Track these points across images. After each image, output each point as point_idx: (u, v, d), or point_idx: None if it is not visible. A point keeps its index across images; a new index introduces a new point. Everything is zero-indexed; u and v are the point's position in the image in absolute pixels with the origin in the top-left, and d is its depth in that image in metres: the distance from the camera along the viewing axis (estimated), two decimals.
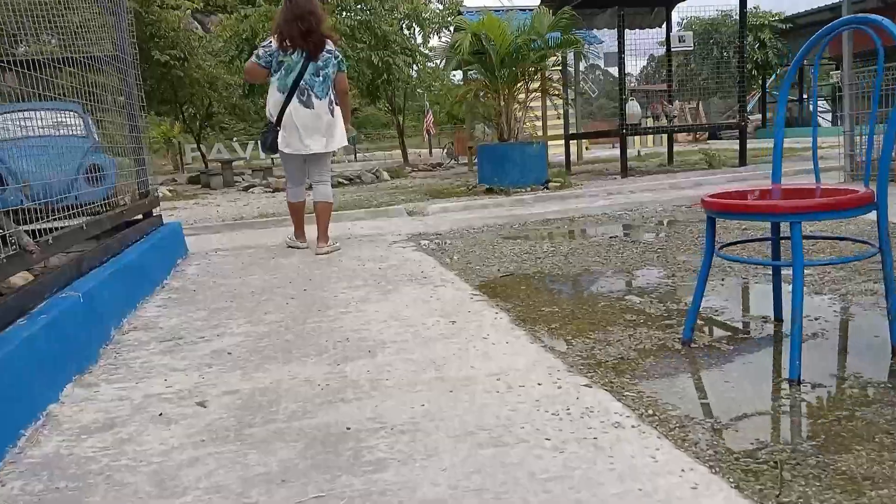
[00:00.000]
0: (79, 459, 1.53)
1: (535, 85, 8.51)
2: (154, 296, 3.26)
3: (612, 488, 1.25)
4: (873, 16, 1.80)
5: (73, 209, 2.91)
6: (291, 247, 4.51)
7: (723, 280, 2.88)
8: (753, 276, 2.92)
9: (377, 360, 2.08)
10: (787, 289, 2.17)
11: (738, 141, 9.30)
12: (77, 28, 3.49)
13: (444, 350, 2.13)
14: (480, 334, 2.27)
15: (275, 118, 4.18)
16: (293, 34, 4.04)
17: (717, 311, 2.44)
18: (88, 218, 2.91)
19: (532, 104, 8.70)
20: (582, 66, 12.72)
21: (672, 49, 10.12)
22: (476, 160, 9.15)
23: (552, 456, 1.39)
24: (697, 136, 19.56)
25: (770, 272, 2.81)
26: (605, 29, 10.82)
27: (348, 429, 1.59)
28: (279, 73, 4.11)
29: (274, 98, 4.17)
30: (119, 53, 3.95)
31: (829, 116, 22.49)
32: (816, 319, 2.25)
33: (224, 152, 16.36)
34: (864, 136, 6.05)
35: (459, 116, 14.35)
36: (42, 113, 3.61)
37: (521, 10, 10.92)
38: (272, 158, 4.43)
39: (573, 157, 11.31)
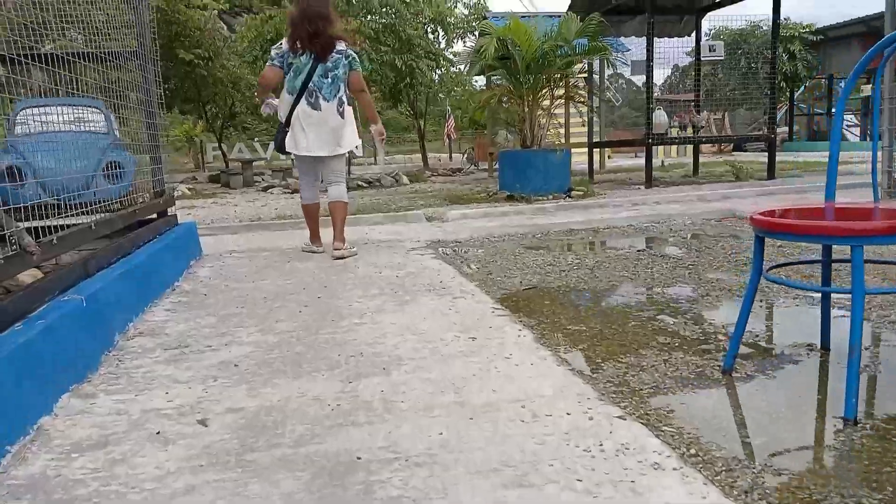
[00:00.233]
0: (66, 482, 1.41)
1: (560, 92, 8.36)
2: (164, 298, 3.15)
3: None
4: None
5: (90, 206, 2.83)
6: (307, 251, 4.40)
7: (760, 301, 2.71)
8: (794, 299, 2.75)
9: (392, 378, 1.95)
10: (835, 314, 2.01)
11: (764, 153, 9.07)
12: (95, 22, 3.41)
13: (464, 369, 1.98)
14: (503, 353, 2.12)
15: (284, 119, 4.17)
16: (301, 36, 4.03)
17: (756, 335, 2.27)
18: (97, 217, 2.81)
19: (555, 111, 8.55)
20: (606, 73, 12.54)
21: (702, 58, 9.90)
22: (496, 166, 9.01)
23: (585, 501, 1.24)
24: (722, 147, 19.25)
25: (810, 294, 2.64)
26: (633, 37, 10.63)
27: (359, 458, 1.46)
28: (289, 74, 4.11)
29: (284, 99, 4.18)
30: (139, 49, 3.87)
31: (857, 131, 22.05)
32: (866, 349, 2.08)
33: (245, 152, 16.38)
34: None
35: (481, 122, 14.21)
36: (64, 108, 3.57)
37: (547, 15, 10.79)
38: (291, 159, 4.37)
39: (595, 166, 11.12)
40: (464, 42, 15.87)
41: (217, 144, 17.30)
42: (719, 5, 9.95)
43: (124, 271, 2.81)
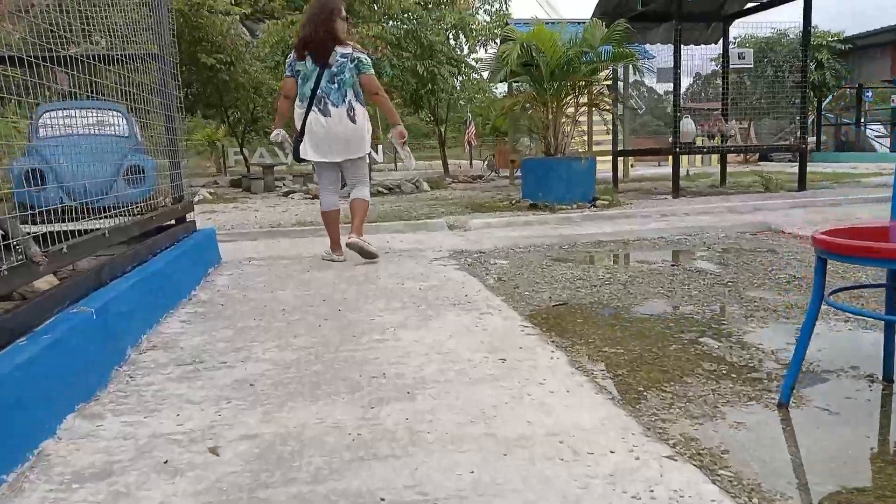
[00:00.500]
0: None
1: (584, 99, 8.20)
2: (179, 308, 3.05)
3: None
4: None
5: (110, 210, 2.75)
6: (327, 259, 4.29)
7: None
8: (844, 322, 2.57)
9: (417, 404, 1.81)
10: None
11: (790, 163, 8.83)
12: (115, 25, 3.33)
13: (494, 396, 1.84)
14: (535, 378, 1.98)
15: (299, 127, 4.17)
16: (300, 41, 4.09)
17: (810, 362, 2.10)
18: (112, 224, 2.71)
19: (579, 118, 8.39)
20: (630, 80, 12.34)
21: (731, 66, 9.68)
22: (518, 174, 8.85)
23: None
24: (748, 157, 18.92)
25: (864, 319, 2.47)
26: (659, 44, 10.44)
27: (382, 500, 1.32)
28: (299, 81, 4.12)
29: (297, 108, 4.17)
30: (159, 52, 3.80)
31: (885, 141, 21.57)
32: None
33: (266, 157, 16.34)
34: None
35: (502, 129, 14.07)
36: (86, 112, 3.51)
37: (571, 22, 10.64)
38: (312, 165, 4.33)
39: (619, 175, 10.92)
40: (485, 49, 15.75)
41: (239, 149, 17.33)
42: (748, 12, 9.74)
43: (139, 280, 2.70)
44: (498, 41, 13.36)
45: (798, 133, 9.10)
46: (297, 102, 4.17)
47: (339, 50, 4.03)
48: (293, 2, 15.04)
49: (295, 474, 1.44)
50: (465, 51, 15.25)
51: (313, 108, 4.06)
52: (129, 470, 1.49)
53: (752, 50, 10.33)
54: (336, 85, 4.03)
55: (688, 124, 8.56)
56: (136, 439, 1.65)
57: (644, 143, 16.14)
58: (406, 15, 13.34)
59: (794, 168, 9.25)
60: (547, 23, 9.27)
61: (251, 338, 2.53)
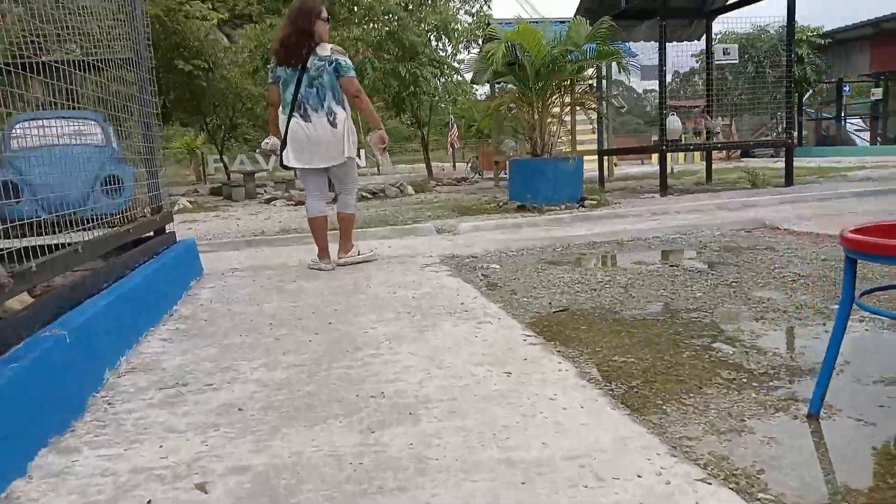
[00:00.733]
0: None
1: (569, 98, 8.11)
2: (160, 326, 2.89)
3: None
4: None
5: (87, 222, 2.59)
6: (314, 268, 4.14)
7: (824, 326, 2.43)
8: (860, 322, 2.47)
9: (421, 426, 1.67)
10: None
11: (772, 159, 8.81)
12: (89, 30, 3.16)
13: (505, 416, 1.71)
14: (545, 393, 1.85)
15: (283, 134, 4.06)
16: (277, 43, 4.01)
17: (835, 367, 1.99)
18: (86, 239, 2.54)
19: (564, 118, 8.30)
20: (612, 78, 12.29)
21: (715, 62, 9.65)
22: (502, 175, 8.74)
23: None
24: (731, 153, 18.99)
25: (882, 320, 2.37)
26: (642, 41, 10.40)
27: None
28: (280, 88, 4.02)
29: (281, 115, 4.06)
30: (133, 56, 3.63)
31: (865, 135, 21.78)
32: None
33: (247, 163, 16.14)
34: None
35: (485, 131, 13.96)
36: (62, 121, 3.34)
37: (554, 22, 10.56)
38: (294, 171, 4.24)
39: (605, 174, 10.86)
40: (468, 50, 15.65)
41: (218, 156, 17.08)
42: (731, 7, 9.72)
43: (116, 297, 2.54)
44: (481, 42, 13.25)
45: (784, 128, 9.09)
46: (280, 109, 4.05)
47: (319, 52, 3.90)
48: (268, 5, 14.85)
49: None
50: (449, 51, 15.12)
51: (294, 114, 3.96)
52: None
53: (736, 46, 10.31)
54: (315, 89, 3.92)
55: (674, 122, 8.50)
56: (115, 475, 1.50)
57: (625, 142, 16.13)
58: (387, 16, 13.18)
59: (777, 164, 9.24)
60: (530, 22, 9.19)
61: (238, 356, 2.38)
